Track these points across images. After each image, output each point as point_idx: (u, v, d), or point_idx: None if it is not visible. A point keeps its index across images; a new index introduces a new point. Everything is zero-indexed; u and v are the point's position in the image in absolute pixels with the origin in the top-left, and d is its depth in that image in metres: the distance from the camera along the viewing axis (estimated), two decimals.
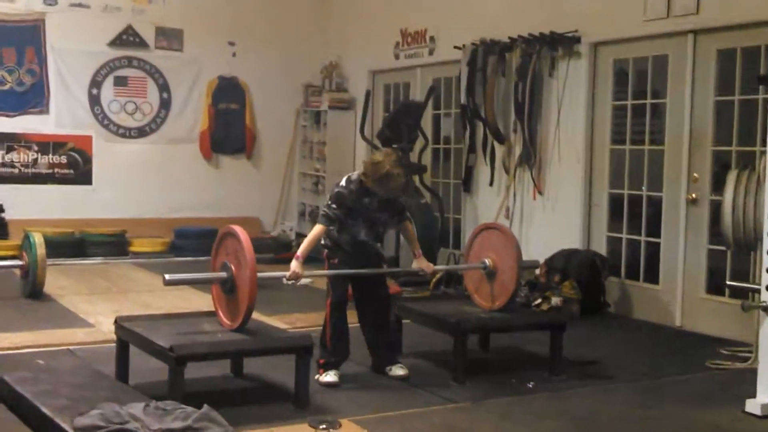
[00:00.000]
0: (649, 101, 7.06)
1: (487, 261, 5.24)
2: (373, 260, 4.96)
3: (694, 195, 6.59)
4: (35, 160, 9.89)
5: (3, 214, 9.60)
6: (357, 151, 10.52)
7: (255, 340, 4.42)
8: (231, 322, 4.54)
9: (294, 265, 4.71)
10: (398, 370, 4.98)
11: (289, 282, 4.67)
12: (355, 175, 4.83)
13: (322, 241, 4.94)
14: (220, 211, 10.47)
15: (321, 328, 4.98)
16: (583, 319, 6.80)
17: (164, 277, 4.46)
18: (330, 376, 4.82)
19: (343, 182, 4.83)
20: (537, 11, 7.79)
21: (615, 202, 7.36)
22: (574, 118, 7.52)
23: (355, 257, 4.89)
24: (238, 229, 4.46)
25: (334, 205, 4.78)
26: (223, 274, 4.52)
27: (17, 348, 5.48)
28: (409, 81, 9.79)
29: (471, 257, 5.43)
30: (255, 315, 6.02)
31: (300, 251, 4.74)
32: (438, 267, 5.76)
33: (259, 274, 4.58)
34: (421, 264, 5.06)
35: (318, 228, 4.80)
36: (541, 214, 7.86)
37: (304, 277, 4.73)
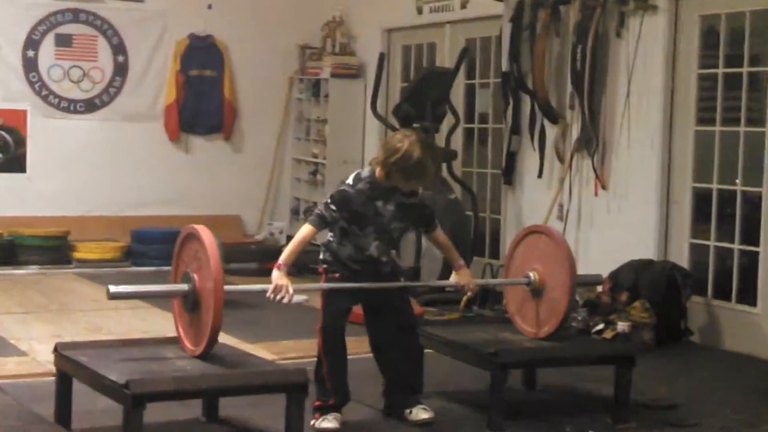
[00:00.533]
0: (746, 69, 7.04)
1: (531, 275, 5.24)
2: (387, 280, 4.96)
3: None
4: None
5: None
6: (367, 132, 10.53)
7: (234, 375, 4.43)
8: (194, 347, 4.58)
9: (276, 276, 4.69)
10: (421, 413, 4.98)
11: (277, 299, 4.66)
12: (366, 172, 4.83)
13: (321, 255, 4.94)
14: (190, 208, 10.50)
15: (315, 360, 4.99)
16: (658, 350, 6.78)
17: (109, 289, 4.47)
18: (329, 422, 4.83)
19: (350, 179, 4.84)
20: None
21: (700, 200, 7.34)
22: (648, 91, 7.50)
23: (363, 277, 4.89)
24: (200, 229, 4.49)
25: (333, 206, 4.76)
26: (184, 287, 4.55)
27: None
28: (434, 42, 9.79)
29: (513, 270, 5.42)
30: (234, 342, 6.12)
31: (282, 258, 4.74)
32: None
33: (232, 287, 4.58)
34: (462, 279, 5.04)
35: (306, 230, 4.77)
36: (604, 214, 7.85)
37: (297, 292, 4.72)
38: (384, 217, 4.83)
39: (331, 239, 4.90)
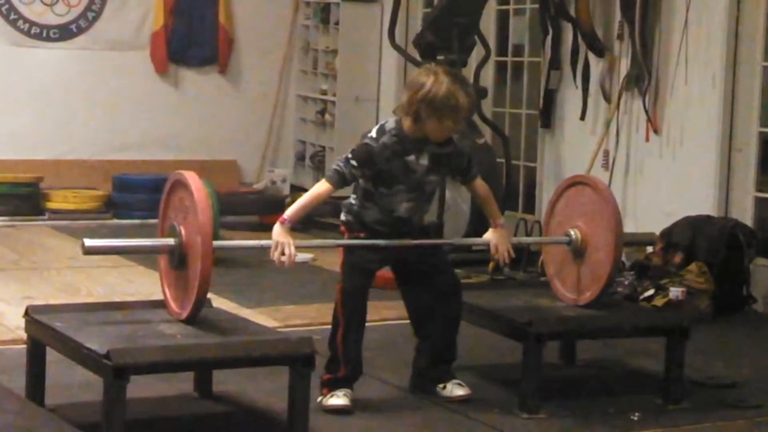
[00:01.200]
0: None
1: (572, 233, 5.23)
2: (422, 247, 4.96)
3: None
4: None
5: None
6: (383, 65, 10.49)
7: (230, 344, 4.44)
8: (179, 310, 4.61)
9: (277, 232, 4.68)
10: (456, 389, 5.02)
11: (276, 261, 4.67)
12: (391, 123, 4.79)
13: (342, 217, 4.94)
14: (180, 152, 10.51)
15: (330, 328, 5.01)
16: (717, 320, 6.79)
17: (84, 243, 4.47)
18: (338, 398, 4.86)
19: (372, 132, 4.81)
20: None
21: None
22: (709, 19, 7.45)
23: (393, 235, 4.90)
24: (188, 175, 4.50)
25: (354, 161, 4.73)
26: (170, 242, 4.56)
27: None
28: None
29: (552, 227, 5.41)
30: (231, 307, 6.15)
31: (288, 213, 4.73)
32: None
33: (225, 243, 4.58)
34: (497, 240, 5.02)
35: (322, 187, 4.76)
36: (657, 163, 7.83)
37: (303, 250, 4.72)
38: (416, 173, 4.81)
39: (353, 201, 4.89)
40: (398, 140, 4.76)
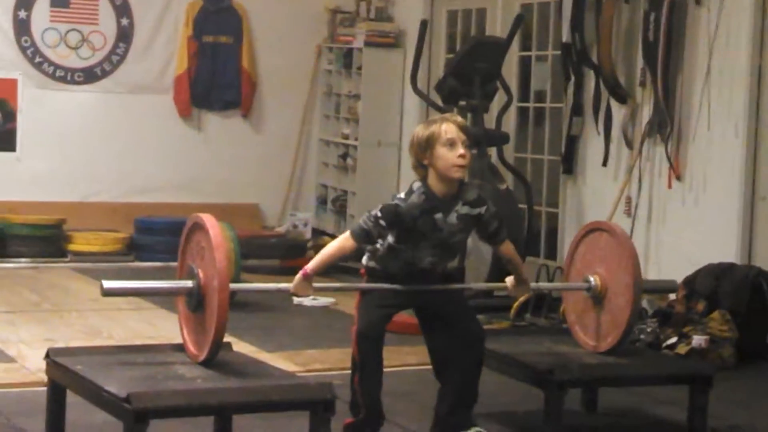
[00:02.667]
0: None
1: (592, 279, 5.22)
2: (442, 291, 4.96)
3: None
4: None
5: None
6: (405, 110, 10.51)
7: (250, 389, 4.43)
8: (197, 352, 4.62)
9: (298, 283, 4.74)
10: None
11: (297, 299, 4.67)
12: (417, 183, 4.80)
13: (365, 261, 4.94)
14: (202, 195, 10.53)
15: (350, 372, 4.99)
16: (740, 369, 6.74)
17: (102, 285, 4.51)
18: None
19: (401, 194, 4.81)
20: None
21: None
22: (732, 67, 7.45)
23: (413, 283, 4.90)
24: (206, 218, 4.53)
25: (382, 221, 4.71)
26: (188, 284, 4.57)
27: None
28: (485, 7, 9.76)
29: (573, 273, 5.40)
30: (252, 351, 6.14)
31: (311, 266, 4.77)
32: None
33: (243, 285, 4.59)
34: (516, 287, 5.06)
35: (346, 243, 4.78)
36: (679, 210, 7.81)
37: (321, 293, 4.72)
38: (443, 232, 4.80)
39: (378, 247, 4.89)
40: (426, 198, 4.75)
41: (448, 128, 4.73)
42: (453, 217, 4.81)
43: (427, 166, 4.75)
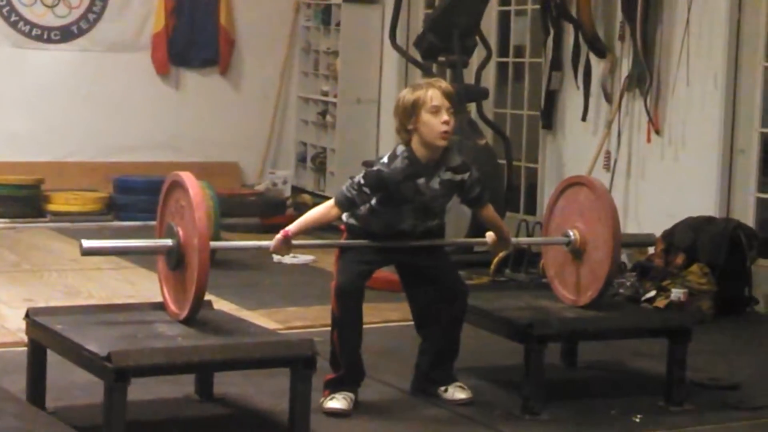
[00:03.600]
0: None
1: (571, 233, 5.24)
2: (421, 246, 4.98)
3: None
4: None
5: None
6: (384, 66, 10.48)
7: (231, 347, 4.44)
8: (178, 311, 4.63)
9: (278, 243, 4.76)
10: (458, 392, 5.02)
11: (277, 257, 4.69)
12: (401, 147, 4.82)
13: (345, 218, 4.94)
14: (181, 154, 10.51)
15: (330, 329, 5.01)
16: (719, 321, 6.78)
17: (82, 244, 4.51)
18: (338, 401, 4.85)
19: (384, 158, 4.83)
20: None
21: None
22: (710, 20, 7.44)
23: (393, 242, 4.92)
24: (185, 176, 4.53)
25: (366, 188, 4.75)
26: (167, 242, 4.58)
27: None
28: None
29: (552, 228, 5.42)
30: (232, 309, 6.14)
31: (292, 228, 4.79)
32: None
33: (222, 243, 4.59)
34: (496, 243, 5.10)
35: (331, 211, 4.82)
36: (658, 164, 7.82)
37: (302, 251, 4.73)
38: (425, 196, 4.83)
39: (361, 208, 4.89)
40: (410, 163, 4.77)
41: (433, 94, 4.74)
42: (435, 183, 4.83)
43: (411, 131, 4.76)
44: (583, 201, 5.25)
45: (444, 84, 4.82)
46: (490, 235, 5.13)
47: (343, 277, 4.87)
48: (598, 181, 5.42)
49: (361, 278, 4.90)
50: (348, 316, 4.87)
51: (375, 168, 4.79)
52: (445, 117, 4.72)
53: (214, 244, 4.73)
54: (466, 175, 4.89)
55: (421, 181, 4.80)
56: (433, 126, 4.73)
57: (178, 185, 4.58)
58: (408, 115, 4.75)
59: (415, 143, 4.78)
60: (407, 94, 4.78)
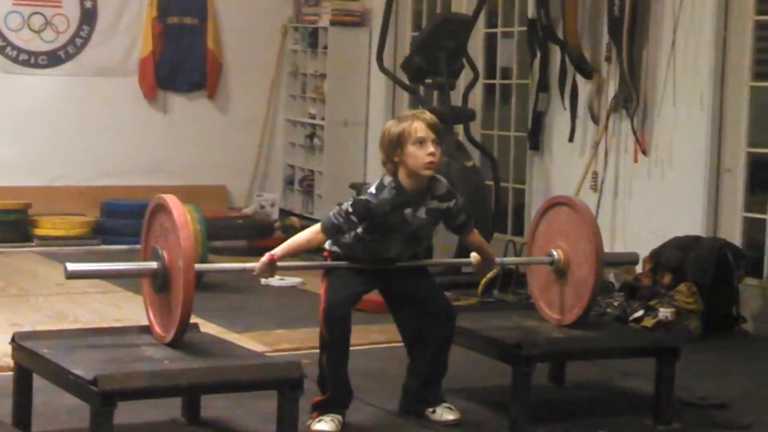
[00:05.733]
0: None
1: (555, 253, 5.27)
2: (406, 271, 4.99)
3: None
4: None
5: None
6: (372, 89, 10.50)
7: (218, 369, 4.44)
8: (163, 333, 4.64)
9: (262, 266, 4.78)
10: (446, 414, 5.03)
11: (264, 280, 4.71)
12: (388, 178, 4.84)
13: (328, 246, 4.96)
14: (169, 177, 10.49)
15: (317, 351, 5.01)
16: (707, 340, 6.79)
17: (66, 267, 4.52)
18: (325, 424, 4.84)
19: (371, 188, 4.84)
20: None
21: (756, 167, 7.33)
22: (696, 40, 7.47)
23: (377, 272, 4.94)
24: (169, 198, 4.55)
25: (353, 216, 4.78)
26: (152, 265, 4.59)
27: None
28: None
29: (536, 248, 5.44)
30: (220, 331, 6.13)
31: (277, 251, 4.81)
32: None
33: (207, 266, 4.61)
34: (481, 263, 5.14)
35: (317, 237, 4.85)
36: (645, 184, 7.84)
37: (287, 273, 4.75)
38: (411, 225, 4.86)
39: (345, 239, 4.91)
40: (397, 193, 4.80)
41: (418, 126, 4.77)
42: (422, 212, 4.87)
43: (397, 162, 4.79)
44: (565, 220, 5.30)
45: (428, 115, 4.84)
46: (474, 256, 5.16)
47: (331, 300, 4.88)
48: (578, 200, 5.48)
49: (349, 302, 4.92)
50: (336, 339, 4.88)
51: (363, 197, 4.81)
52: (430, 149, 4.76)
53: (198, 266, 4.73)
54: (452, 203, 4.92)
55: (408, 210, 4.83)
56: (418, 158, 4.76)
57: (161, 208, 4.59)
58: (393, 147, 4.78)
59: (402, 174, 4.81)
60: (392, 127, 4.81)
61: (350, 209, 4.79)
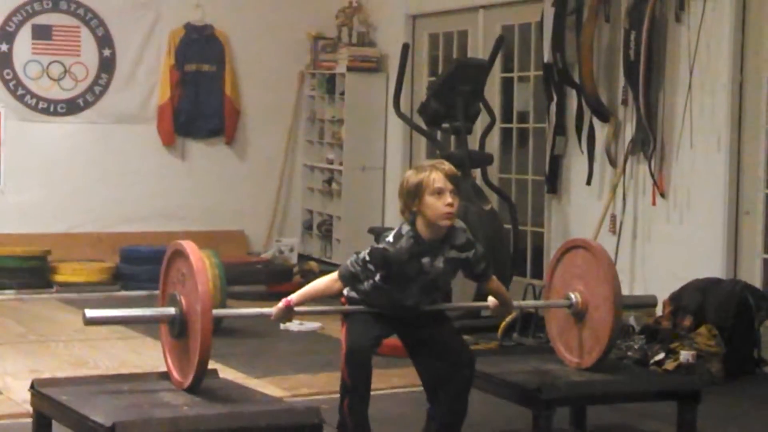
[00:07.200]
0: None
1: (573, 296, 5.25)
2: (426, 319, 4.97)
3: None
4: None
5: None
6: (389, 134, 10.52)
7: (237, 415, 4.41)
8: (181, 379, 4.62)
9: (279, 311, 4.78)
10: None
11: (284, 325, 4.69)
12: (406, 227, 4.83)
13: (347, 293, 4.95)
14: (187, 223, 10.51)
15: (337, 396, 4.98)
16: (728, 383, 6.74)
17: (85, 314, 4.54)
18: None
19: (389, 237, 4.83)
20: None
21: None
22: (713, 84, 7.47)
23: (395, 320, 4.92)
24: (186, 244, 4.55)
25: (370, 264, 4.77)
26: (170, 311, 4.59)
27: None
28: (466, 29, 9.78)
29: (554, 291, 5.42)
30: (239, 377, 6.11)
31: (294, 297, 4.81)
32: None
33: (225, 311, 4.60)
34: (498, 307, 5.10)
35: (334, 285, 4.85)
36: (664, 226, 7.82)
37: (306, 318, 4.73)
38: (429, 274, 4.84)
39: (363, 288, 4.90)
40: (415, 242, 4.78)
41: (436, 177, 4.76)
42: (440, 261, 4.84)
43: (415, 212, 4.79)
44: (581, 263, 5.28)
45: (447, 166, 4.83)
46: (492, 300, 5.13)
47: (353, 345, 4.85)
48: (595, 243, 5.47)
49: (370, 346, 4.89)
50: (358, 384, 4.84)
51: (381, 246, 4.80)
52: (448, 199, 4.74)
53: (216, 311, 4.73)
54: (471, 253, 4.89)
55: (426, 260, 4.81)
56: (436, 208, 4.74)
57: (179, 254, 4.59)
58: (411, 198, 4.77)
59: (420, 224, 4.79)
60: (411, 177, 4.80)
61: (367, 257, 4.78)
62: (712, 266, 7.37)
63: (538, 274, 8.83)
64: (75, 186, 10.38)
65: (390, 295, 4.87)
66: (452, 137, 8.73)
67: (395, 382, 6.36)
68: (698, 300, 7.04)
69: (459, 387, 4.97)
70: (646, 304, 6.20)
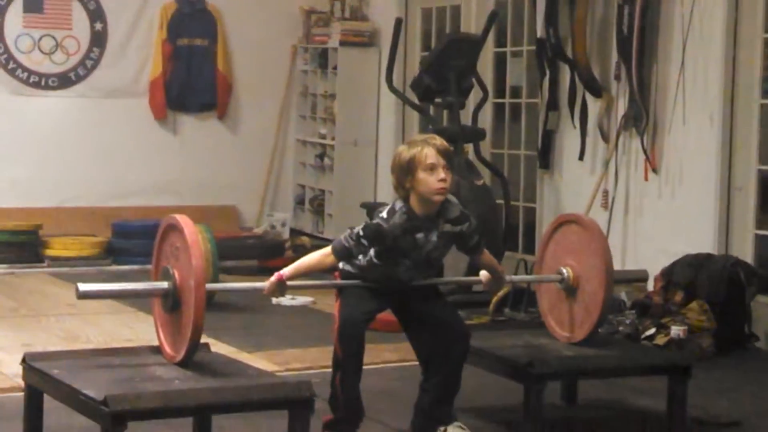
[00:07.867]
0: None
1: (564, 271, 5.26)
2: (418, 292, 4.98)
3: None
4: None
5: None
6: (381, 109, 10.51)
7: (229, 389, 4.42)
8: (174, 353, 4.63)
9: (272, 285, 4.76)
10: None
11: (276, 300, 4.70)
12: (399, 203, 4.84)
13: (341, 265, 4.95)
14: (180, 198, 10.51)
15: (330, 371, 4.99)
16: (719, 358, 6.76)
17: (78, 288, 4.53)
18: None
19: (383, 213, 4.83)
20: None
21: (767, 185, 7.30)
22: (706, 59, 7.47)
23: (387, 293, 4.93)
24: (180, 218, 4.55)
25: (364, 240, 4.77)
26: (163, 285, 4.58)
27: None
28: (459, 4, 9.76)
29: (546, 266, 5.43)
30: (231, 351, 6.13)
31: (286, 271, 4.80)
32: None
33: (218, 285, 4.60)
34: (491, 281, 5.10)
35: (327, 259, 4.84)
36: (656, 202, 7.83)
37: (299, 292, 4.74)
38: (423, 249, 4.85)
39: (359, 259, 4.90)
40: (408, 218, 4.79)
41: (428, 152, 4.75)
42: (434, 236, 4.85)
43: (408, 188, 4.79)
44: (574, 238, 5.29)
45: (439, 141, 4.83)
46: (484, 275, 5.13)
47: (346, 319, 4.86)
48: (587, 217, 5.50)
49: (364, 321, 4.90)
50: (350, 358, 4.85)
51: (375, 222, 4.80)
52: (441, 175, 4.74)
53: (210, 285, 4.73)
54: (465, 226, 4.90)
55: (420, 235, 4.82)
56: (429, 184, 4.75)
57: (173, 227, 4.59)
58: (404, 174, 4.77)
59: (413, 199, 4.80)
60: (403, 153, 4.80)
61: (361, 233, 4.78)
62: (704, 242, 7.38)
63: (530, 249, 8.84)
64: (67, 160, 10.36)
65: (384, 270, 4.87)
66: (445, 112, 8.73)
67: (387, 356, 6.38)
68: (690, 275, 7.06)
69: (454, 361, 4.98)
70: (637, 279, 6.24)
